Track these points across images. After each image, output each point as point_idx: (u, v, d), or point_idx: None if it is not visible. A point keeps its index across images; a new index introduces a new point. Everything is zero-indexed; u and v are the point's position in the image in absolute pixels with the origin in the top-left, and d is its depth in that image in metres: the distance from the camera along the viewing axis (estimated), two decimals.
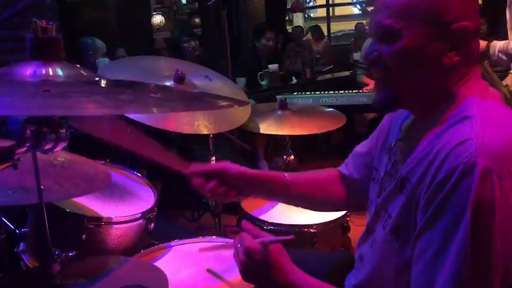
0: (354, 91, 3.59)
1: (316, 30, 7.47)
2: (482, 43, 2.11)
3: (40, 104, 0.79)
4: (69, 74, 0.90)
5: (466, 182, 0.81)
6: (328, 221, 1.89)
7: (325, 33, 8.24)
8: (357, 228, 1.17)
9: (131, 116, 1.61)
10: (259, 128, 2.24)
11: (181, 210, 3.33)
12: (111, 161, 2.03)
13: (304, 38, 7.39)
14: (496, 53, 2.10)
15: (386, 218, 1.01)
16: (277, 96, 2.99)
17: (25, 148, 0.86)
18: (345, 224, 1.95)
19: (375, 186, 1.13)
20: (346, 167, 1.35)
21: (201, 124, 1.81)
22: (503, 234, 0.81)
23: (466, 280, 0.81)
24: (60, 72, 0.89)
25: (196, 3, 8.56)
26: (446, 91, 0.95)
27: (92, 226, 1.58)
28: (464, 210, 0.81)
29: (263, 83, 4.47)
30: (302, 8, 11.48)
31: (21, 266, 1.59)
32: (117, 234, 1.63)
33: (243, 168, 1.30)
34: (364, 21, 8.25)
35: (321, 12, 12.34)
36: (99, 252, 1.59)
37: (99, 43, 3.71)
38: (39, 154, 1.06)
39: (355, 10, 13.58)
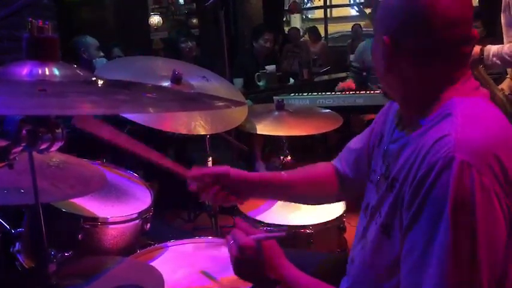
0: (351, 92, 3.59)
1: (313, 31, 7.49)
2: (477, 48, 2.12)
3: (36, 103, 0.79)
4: (65, 74, 0.90)
5: (445, 177, 0.81)
6: (324, 222, 1.90)
7: (323, 35, 8.25)
8: (353, 229, 1.18)
9: (128, 116, 1.61)
10: (256, 129, 2.24)
11: (178, 211, 3.33)
12: (107, 161, 2.03)
13: (302, 39, 7.40)
14: (491, 57, 2.11)
15: (378, 219, 1.01)
16: (274, 97, 2.99)
17: (21, 148, 0.86)
18: (341, 225, 1.96)
19: (372, 188, 1.13)
20: (339, 162, 1.37)
21: (198, 124, 1.81)
22: (486, 228, 0.81)
23: (452, 277, 0.80)
24: (56, 72, 0.89)
25: (194, 4, 8.54)
26: (433, 94, 0.96)
27: (88, 226, 1.58)
28: (443, 205, 0.81)
29: (260, 83, 4.47)
30: (300, 9, 11.48)
31: (16, 266, 1.58)
32: (113, 234, 1.63)
33: (244, 173, 1.31)
34: (361, 23, 8.27)
35: (319, 14, 12.35)
36: (95, 253, 1.59)
37: (90, 39, 3.73)
38: (34, 155, 1.06)
39: (353, 12, 13.59)
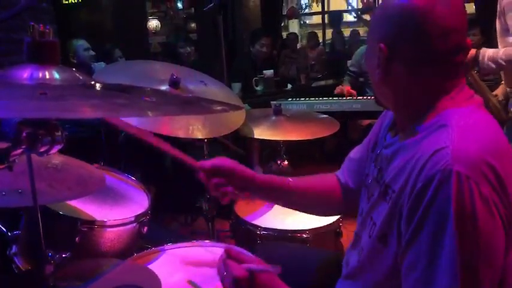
0: (348, 98, 3.61)
1: (312, 37, 7.52)
2: (472, 50, 2.12)
3: (36, 106, 0.80)
4: (65, 78, 0.91)
5: (445, 191, 0.83)
6: (321, 227, 1.90)
7: (320, 40, 8.27)
8: (350, 233, 1.18)
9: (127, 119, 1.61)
10: (253, 133, 2.25)
11: (175, 215, 3.32)
12: (105, 164, 2.04)
13: (299, 45, 7.42)
14: (486, 60, 2.11)
15: (371, 226, 1.02)
16: (271, 102, 3.00)
17: (21, 150, 0.86)
18: (338, 230, 1.96)
19: (365, 192, 1.14)
20: (341, 172, 1.37)
21: (195, 128, 1.81)
22: (488, 237, 0.83)
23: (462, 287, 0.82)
24: (56, 75, 0.90)
25: (192, 8, 8.58)
26: (427, 102, 0.97)
27: (85, 229, 1.58)
28: (446, 218, 0.82)
29: (258, 88, 4.48)
30: (298, 15, 11.51)
31: (13, 268, 1.58)
32: (110, 237, 1.63)
33: (252, 172, 1.31)
34: (359, 29, 8.30)
35: (316, 19, 12.38)
36: (92, 255, 1.59)
37: (76, 41, 3.74)
38: (33, 156, 1.06)
39: (350, 18, 13.62)
